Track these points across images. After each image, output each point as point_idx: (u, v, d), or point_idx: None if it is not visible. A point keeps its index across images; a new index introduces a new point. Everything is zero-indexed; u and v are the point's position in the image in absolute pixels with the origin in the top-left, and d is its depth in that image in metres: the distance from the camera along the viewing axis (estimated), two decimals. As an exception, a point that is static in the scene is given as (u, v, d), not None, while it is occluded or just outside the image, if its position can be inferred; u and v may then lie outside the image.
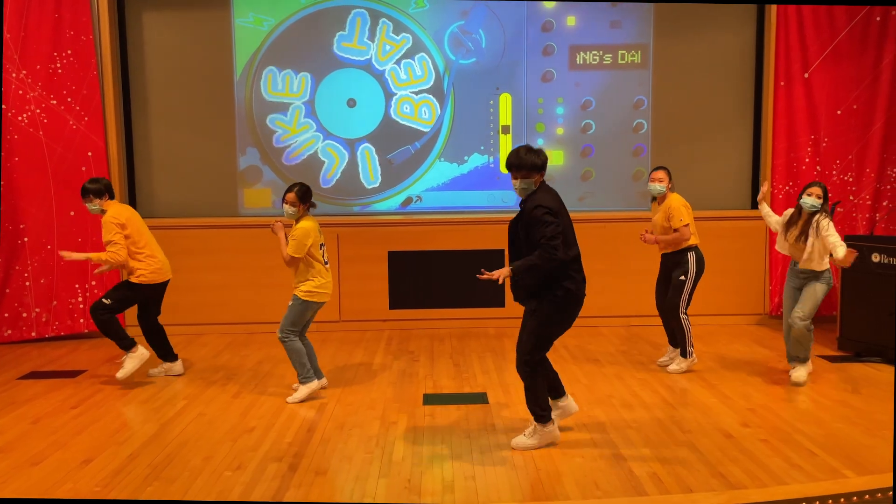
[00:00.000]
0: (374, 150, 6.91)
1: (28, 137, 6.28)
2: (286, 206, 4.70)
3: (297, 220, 4.72)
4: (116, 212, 5.08)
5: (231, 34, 6.80)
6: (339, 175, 6.93)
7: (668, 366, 5.33)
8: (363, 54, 6.84)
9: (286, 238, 4.72)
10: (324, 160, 6.91)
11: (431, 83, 6.89)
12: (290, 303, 4.72)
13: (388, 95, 6.88)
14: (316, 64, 6.83)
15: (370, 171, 6.94)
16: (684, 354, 5.26)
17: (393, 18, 6.81)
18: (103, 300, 5.10)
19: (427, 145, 6.95)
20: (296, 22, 6.80)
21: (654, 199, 5.50)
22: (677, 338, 5.32)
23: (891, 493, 3.36)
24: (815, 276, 4.95)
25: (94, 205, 5.08)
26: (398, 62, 6.85)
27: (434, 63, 6.88)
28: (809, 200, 4.85)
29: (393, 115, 6.88)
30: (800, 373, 4.97)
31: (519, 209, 3.93)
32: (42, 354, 6.04)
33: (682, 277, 5.23)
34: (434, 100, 6.91)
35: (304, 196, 4.72)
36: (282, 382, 5.13)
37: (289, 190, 4.73)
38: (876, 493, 3.34)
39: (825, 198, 4.87)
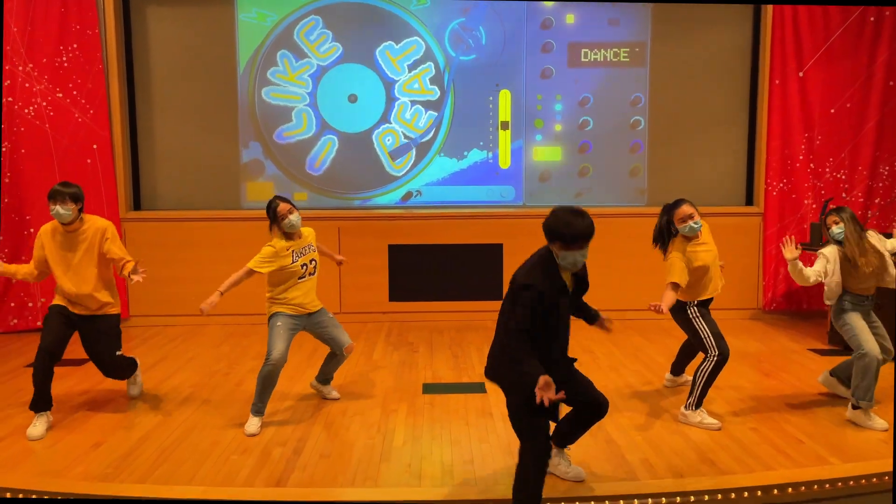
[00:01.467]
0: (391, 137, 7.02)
1: (34, 130, 6.37)
2: (292, 217, 4.31)
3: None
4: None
5: (234, 29, 6.89)
6: (327, 163, 7.03)
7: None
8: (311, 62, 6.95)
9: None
10: (319, 149, 7.02)
11: (436, 97, 6.99)
12: (331, 314, 4.51)
13: (390, 94, 6.98)
14: (317, 59, 6.93)
15: (389, 158, 7.05)
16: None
17: (395, 16, 6.91)
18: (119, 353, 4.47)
19: (427, 140, 7.05)
20: (298, 17, 6.89)
21: (685, 238, 4.34)
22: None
23: (875, 479, 3.48)
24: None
25: (68, 210, 4.15)
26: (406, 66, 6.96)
27: (436, 64, 6.98)
28: (836, 230, 4.30)
29: (392, 120, 6.99)
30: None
31: (574, 275, 3.26)
32: (48, 343, 6.13)
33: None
34: (434, 113, 7.01)
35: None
36: (283, 372, 5.23)
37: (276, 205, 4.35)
38: (860, 480, 3.46)
39: (847, 219, 4.31)
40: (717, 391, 4.74)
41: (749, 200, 7.15)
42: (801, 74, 6.79)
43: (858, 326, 4.17)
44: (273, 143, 6.99)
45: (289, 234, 4.34)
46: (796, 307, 6.99)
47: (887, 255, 4.28)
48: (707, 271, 4.29)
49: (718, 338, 4.24)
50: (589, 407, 3.32)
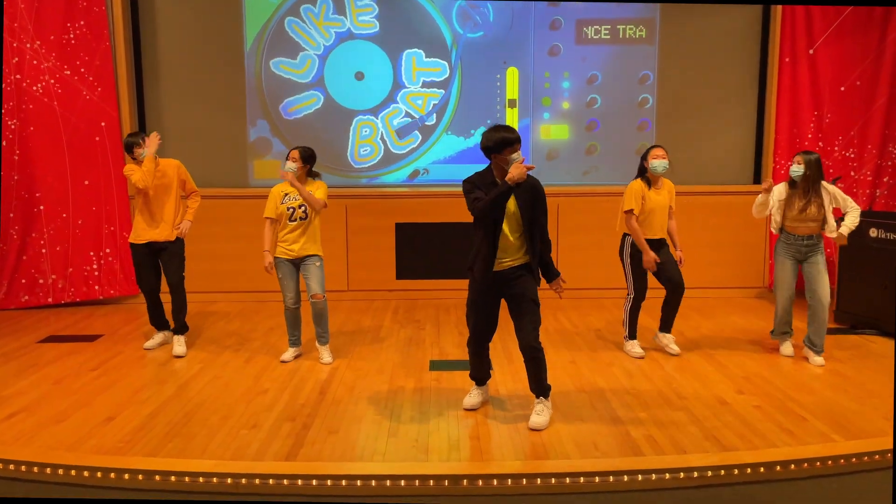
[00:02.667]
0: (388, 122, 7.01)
1: (43, 107, 6.39)
2: (290, 164, 4.86)
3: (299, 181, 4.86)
4: None
5: (241, 6, 6.86)
6: (352, 147, 7.05)
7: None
8: (341, 28, 6.91)
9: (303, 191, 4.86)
10: (329, 129, 7.02)
11: (444, 76, 6.96)
12: (319, 263, 4.94)
13: (396, 74, 6.96)
14: (326, 36, 6.91)
15: (394, 137, 7.04)
16: (670, 328, 5.20)
17: (401, -9, 6.86)
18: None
19: (429, 124, 7.04)
20: (305, -6, 6.86)
21: (648, 182, 5.02)
22: (673, 315, 5.15)
23: (877, 456, 3.52)
24: (817, 243, 4.91)
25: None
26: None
27: (444, 44, 6.94)
28: (795, 168, 4.83)
29: (399, 101, 6.98)
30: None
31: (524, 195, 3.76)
32: (59, 319, 6.22)
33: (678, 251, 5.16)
34: (441, 92, 6.98)
35: (307, 158, 4.93)
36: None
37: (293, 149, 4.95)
38: (863, 457, 3.49)
39: (812, 166, 4.80)
40: (721, 369, 4.78)
41: (757, 179, 7.12)
42: (811, 52, 6.73)
43: (778, 272, 5.07)
44: (279, 118, 6.99)
45: (292, 182, 4.87)
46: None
47: (829, 210, 4.86)
48: (653, 214, 4.99)
49: (638, 278, 5.07)
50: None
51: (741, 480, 3.32)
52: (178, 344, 5.22)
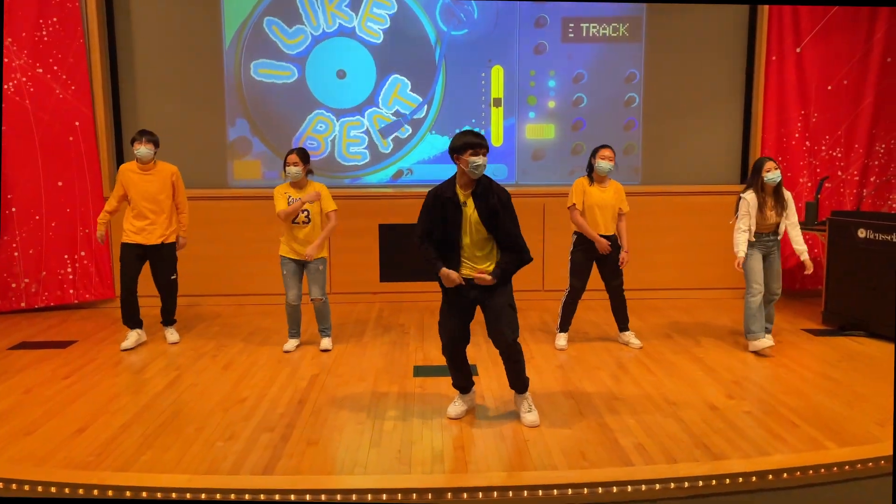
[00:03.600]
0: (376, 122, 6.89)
1: (14, 106, 6.20)
2: (292, 168, 5.02)
3: (302, 185, 5.10)
4: None
5: (220, 2, 6.70)
6: (328, 146, 6.91)
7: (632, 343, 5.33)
8: (348, 23, 6.78)
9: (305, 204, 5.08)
10: (313, 130, 6.88)
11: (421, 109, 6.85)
12: (322, 267, 5.16)
13: (380, 70, 6.83)
14: (306, 33, 6.76)
15: (382, 139, 6.92)
16: (628, 326, 5.38)
17: (384, -12, 6.74)
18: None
19: (418, 118, 6.92)
20: (286, -10, 6.71)
21: (592, 180, 5.17)
22: (623, 314, 5.34)
23: (871, 463, 3.45)
24: (776, 240, 5.13)
25: (150, 152, 5.21)
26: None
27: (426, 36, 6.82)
28: (772, 175, 4.94)
29: (366, 39, 6.84)
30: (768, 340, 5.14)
31: (478, 191, 3.74)
32: (32, 325, 6.04)
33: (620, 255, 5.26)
34: (418, 97, 6.86)
35: (305, 158, 5.09)
36: (272, 354, 5.17)
37: (290, 152, 5.08)
38: (856, 464, 3.42)
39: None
40: (710, 373, 4.70)
41: (744, 178, 7.06)
42: (798, 50, 6.68)
43: (752, 269, 5.05)
44: (260, 119, 6.84)
45: (293, 183, 5.06)
46: (789, 286, 6.94)
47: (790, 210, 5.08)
48: (592, 210, 5.12)
49: (573, 275, 5.24)
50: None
51: (733, 490, 3.24)
52: (171, 333, 5.49)
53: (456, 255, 3.78)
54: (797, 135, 6.76)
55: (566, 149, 7.02)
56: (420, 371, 4.79)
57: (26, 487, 3.19)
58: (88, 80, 6.43)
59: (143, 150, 5.15)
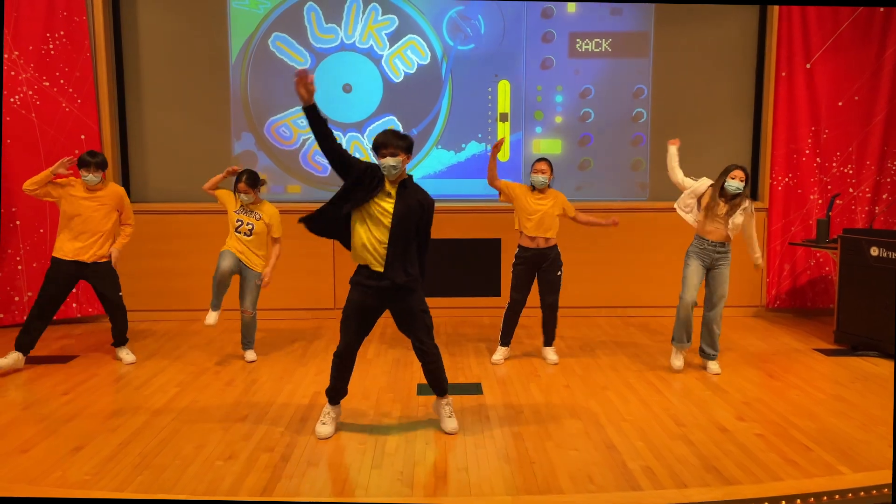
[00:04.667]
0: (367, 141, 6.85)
1: (20, 119, 6.19)
2: (243, 196, 5.18)
3: (255, 204, 5.25)
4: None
5: (227, 17, 6.70)
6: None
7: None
8: (349, 38, 6.76)
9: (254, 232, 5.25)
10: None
11: (428, 61, 6.82)
12: (259, 282, 5.25)
13: (386, 82, 6.81)
14: (311, 48, 6.75)
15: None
16: (551, 343, 5.39)
17: (392, 4, 6.72)
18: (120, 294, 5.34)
19: (424, 132, 6.88)
20: (291, 5, 6.70)
21: (533, 188, 5.21)
22: (551, 331, 5.36)
23: (886, 489, 3.34)
24: (726, 254, 5.01)
25: (96, 176, 5.03)
26: (393, 48, 6.78)
27: (430, 44, 6.80)
28: (734, 183, 4.85)
29: (387, 72, 6.80)
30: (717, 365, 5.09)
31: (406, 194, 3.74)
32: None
33: (559, 273, 5.28)
34: (417, 39, 6.79)
35: (254, 182, 5.19)
36: (273, 371, 5.11)
37: (238, 180, 5.18)
38: (871, 490, 3.32)
39: (748, 181, 4.93)
40: (720, 393, 4.60)
41: (753, 195, 6.98)
42: (808, 66, 6.61)
43: (687, 274, 4.99)
44: (267, 138, 6.82)
45: (244, 205, 5.23)
46: (801, 304, 6.84)
47: (735, 223, 4.92)
48: (519, 215, 5.21)
49: (513, 288, 5.26)
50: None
51: (745, 517, 3.14)
52: (127, 353, 5.36)
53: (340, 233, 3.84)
54: (808, 151, 6.68)
55: (574, 164, 6.96)
56: (424, 389, 4.70)
57: (20, 507, 3.12)
58: (95, 94, 6.42)
59: (90, 177, 5.01)
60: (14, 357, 5.07)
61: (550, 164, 5.18)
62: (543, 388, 4.71)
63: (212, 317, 5.19)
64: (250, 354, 5.40)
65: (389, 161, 3.66)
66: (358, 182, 3.70)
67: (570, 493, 3.22)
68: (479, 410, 4.30)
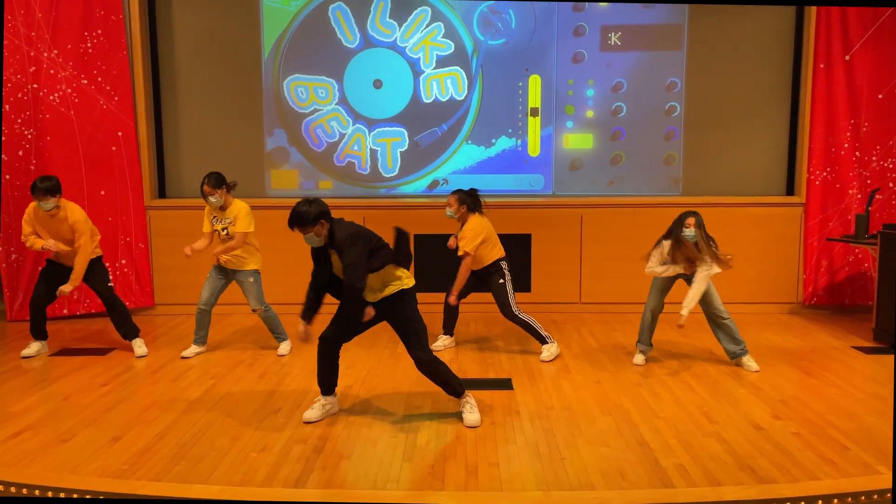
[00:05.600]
0: (404, 134, 6.87)
1: (59, 117, 6.33)
2: (211, 198, 5.14)
3: (226, 205, 5.24)
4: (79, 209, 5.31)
5: (259, 14, 6.77)
6: (358, 159, 6.91)
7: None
8: (388, 36, 6.78)
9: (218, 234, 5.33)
10: (344, 138, 6.89)
11: (452, 50, 6.81)
12: (253, 279, 5.31)
13: (416, 75, 6.82)
14: (343, 45, 6.79)
15: (388, 160, 6.90)
16: (544, 342, 5.27)
17: (422, -2, 6.73)
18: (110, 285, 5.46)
19: (454, 127, 6.88)
20: (323, 2, 6.74)
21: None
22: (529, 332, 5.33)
23: (927, 490, 3.26)
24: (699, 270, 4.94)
25: (49, 203, 5.06)
26: (422, 40, 6.78)
27: (459, 37, 6.79)
28: (689, 231, 4.82)
29: (422, 97, 6.83)
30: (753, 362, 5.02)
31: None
32: (74, 331, 6.14)
33: (501, 281, 5.26)
34: (461, 72, 6.82)
35: (218, 183, 5.15)
36: (306, 364, 5.16)
37: (202, 184, 5.13)
38: (911, 491, 3.24)
39: (700, 224, 4.86)
40: (755, 391, 4.53)
41: (790, 190, 6.86)
42: (847, 58, 6.46)
43: (654, 286, 5.15)
44: (300, 135, 6.88)
45: (215, 209, 5.25)
46: (838, 302, 6.71)
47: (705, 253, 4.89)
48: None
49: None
50: None
51: (780, 516, 3.09)
52: (138, 346, 5.42)
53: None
54: (846, 145, 6.54)
55: (605, 159, 6.91)
56: (454, 384, 4.71)
57: (61, 495, 3.20)
58: (131, 91, 6.54)
59: (48, 204, 5.06)
60: (36, 345, 5.42)
61: (457, 196, 5.33)
62: (574, 385, 4.69)
63: (191, 350, 5.37)
64: (284, 347, 5.46)
65: (307, 236, 3.86)
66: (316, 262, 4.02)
67: (601, 490, 3.21)
68: (510, 406, 4.30)
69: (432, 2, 6.73)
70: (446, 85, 6.81)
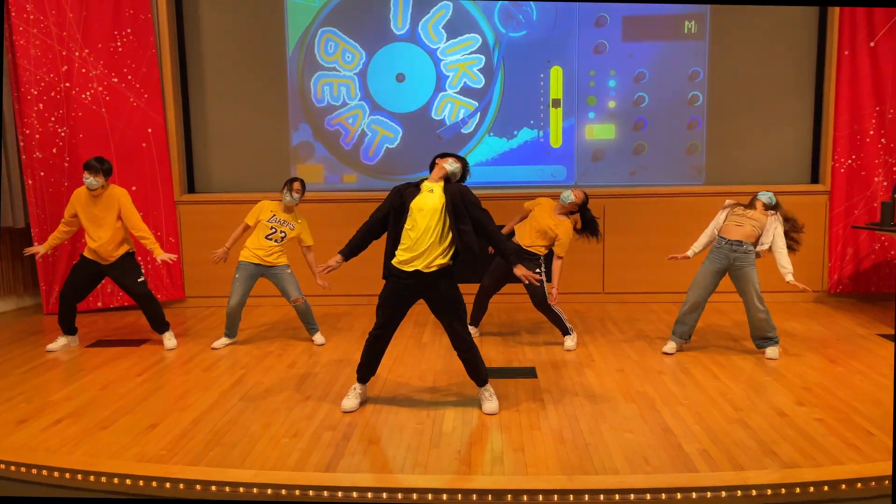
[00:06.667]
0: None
1: (91, 115, 6.50)
2: (295, 195, 5.42)
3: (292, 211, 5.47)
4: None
5: (284, 10, 6.87)
6: (381, 151, 6.99)
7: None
8: (399, 29, 6.85)
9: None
10: (369, 134, 6.98)
11: (479, 45, 6.86)
12: (290, 270, 5.45)
13: (439, 73, 6.88)
14: (367, 39, 6.87)
15: (371, 149, 6.98)
16: (567, 333, 5.31)
17: (443, -8, 6.79)
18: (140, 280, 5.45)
19: (477, 120, 6.93)
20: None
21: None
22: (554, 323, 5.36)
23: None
24: (745, 254, 4.96)
25: (96, 181, 5.19)
26: (444, 35, 6.84)
27: (483, 37, 6.84)
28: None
29: (433, 115, 6.89)
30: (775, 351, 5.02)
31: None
32: (109, 324, 6.31)
33: (538, 271, 5.24)
34: (482, 76, 6.87)
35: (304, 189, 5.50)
36: (334, 354, 5.27)
37: (294, 180, 5.44)
38: (936, 476, 3.26)
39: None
40: (779, 378, 4.55)
41: (815, 178, 6.83)
42: (872, 45, 6.41)
43: (696, 278, 5.05)
44: (324, 129, 6.98)
45: (285, 207, 5.43)
46: (864, 290, 6.67)
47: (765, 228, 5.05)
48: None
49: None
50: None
51: (804, 500, 3.13)
52: (168, 339, 5.52)
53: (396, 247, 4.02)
54: (872, 132, 6.49)
55: (627, 149, 6.92)
56: (479, 373, 4.78)
57: (103, 479, 3.33)
58: (160, 89, 6.68)
59: (96, 182, 5.19)
60: (63, 340, 5.52)
61: (581, 201, 5.34)
62: (598, 373, 4.75)
63: (221, 342, 5.49)
64: (318, 338, 5.55)
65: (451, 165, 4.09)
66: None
67: (625, 474, 3.27)
68: (534, 393, 4.36)
69: (454, -5, 6.78)
70: (458, 107, 6.87)
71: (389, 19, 6.83)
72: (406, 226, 3.93)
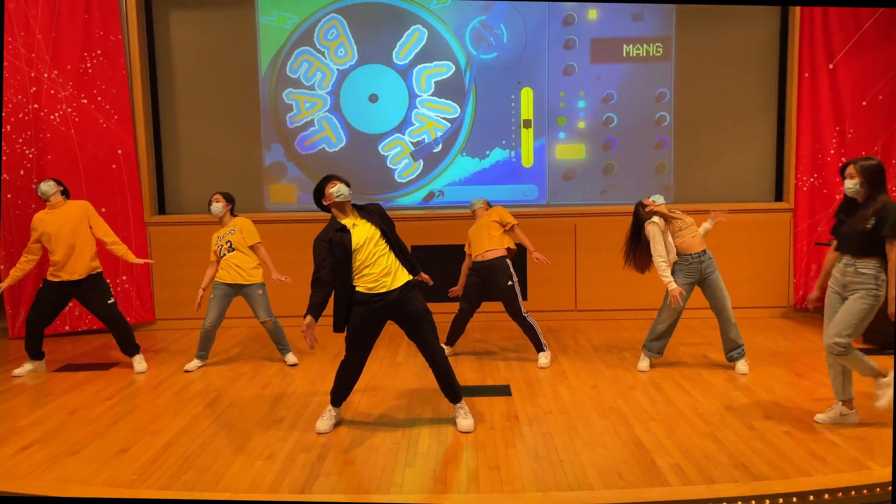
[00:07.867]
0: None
1: (60, 136, 6.43)
2: (215, 205, 5.49)
3: (225, 221, 5.51)
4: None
5: (256, 32, 6.90)
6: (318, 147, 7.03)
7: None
8: (375, 52, 6.92)
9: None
10: (333, 146, 7.01)
11: (451, 73, 6.95)
12: (262, 291, 5.45)
13: (411, 94, 6.95)
14: (338, 60, 6.92)
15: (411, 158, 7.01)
16: (541, 349, 5.36)
17: (416, 15, 6.87)
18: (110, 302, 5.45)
19: (449, 140, 7.01)
20: (318, 19, 6.88)
21: None
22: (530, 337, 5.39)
23: (915, 484, 3.36)
24: (710, 260, 5.06)
25: (51, 188, 5.27)
26: (419, 65, 6.92)
27: (457, 63, 6.93)
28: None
29: (408, 137, 6.96)
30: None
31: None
32: (76, 348, 6.21)
33: (510, 283, 5.29)
34: (454, 106, 6.95)
35: (229, 198, 5.59)
36: (307, 374, 5.24)
37: (214, 193, 5.55)
38: (900, 485, 3.34)
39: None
40: (748, 392, 4.64)
41: (779, 196, 7.00)
42: (830, 66, 6.62)
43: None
44: (295, 150, 6.99)
45: (220, 221, 5.53)
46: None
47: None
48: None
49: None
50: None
51: (773, 511, 3.19)
52: (138, 362, 5.46)
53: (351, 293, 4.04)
54: (832, 151, 6.69)
55: (598, 168, 7.04)
56: (454, 391, 4.80)
57: (73, 506, 3.27)
58: (130, 110, 6.65)
59: (51, 188, 5.29)
60: (30, 365, 5.43)
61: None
62: (571, 389, 4.79)
63: (193, 364, 5.45)
64: (290, 358, 5.54)
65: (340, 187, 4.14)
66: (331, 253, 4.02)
67: (599, 489, 3.30)
68: (509, 411, 4.39)
69: (426, 17, 6.87)
70: (434, 128, 6.95)
71: (364, 41, 6.90)
72: (360, 263, 3.96)
